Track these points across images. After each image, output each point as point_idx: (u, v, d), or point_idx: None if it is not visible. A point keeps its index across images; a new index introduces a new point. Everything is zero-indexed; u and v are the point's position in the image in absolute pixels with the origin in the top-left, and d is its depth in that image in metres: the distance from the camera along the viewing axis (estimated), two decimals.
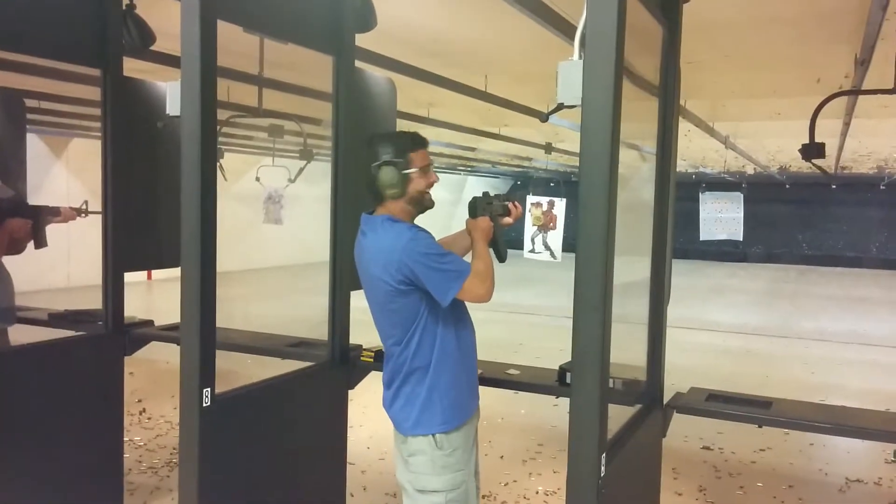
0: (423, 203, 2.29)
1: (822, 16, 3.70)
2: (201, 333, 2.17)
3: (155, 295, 10.95)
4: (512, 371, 3.08)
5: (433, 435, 2.25)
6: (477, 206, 2.41)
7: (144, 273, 11.35)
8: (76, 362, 3.18)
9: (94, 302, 3.44)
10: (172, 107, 2.23)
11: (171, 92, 2.23)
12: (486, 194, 2.45)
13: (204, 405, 2.18)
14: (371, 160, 2.23)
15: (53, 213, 3.57)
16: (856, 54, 4.10)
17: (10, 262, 3.48)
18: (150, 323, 3.61)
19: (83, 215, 3.69)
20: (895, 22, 3.25)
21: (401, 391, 2.29)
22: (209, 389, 2.20)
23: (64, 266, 10.69)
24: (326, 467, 2.97)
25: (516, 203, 2.42)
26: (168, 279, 11.02)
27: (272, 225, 3.61)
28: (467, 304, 2.33)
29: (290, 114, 4.70)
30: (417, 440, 2.27)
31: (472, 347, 2.39)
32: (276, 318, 4.80)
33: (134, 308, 3.50)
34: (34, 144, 10.09)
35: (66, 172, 11.03)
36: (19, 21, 2.85)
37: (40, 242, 3.50)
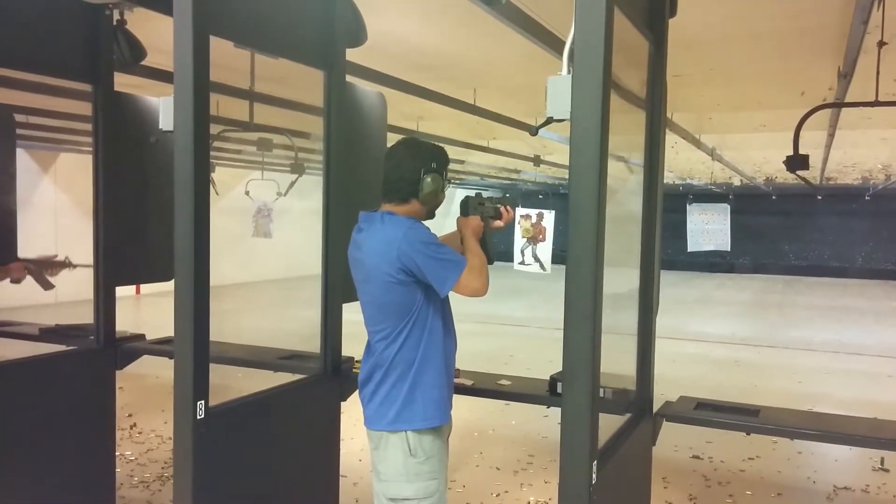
0: (432, 215, 2.37)
1: (805, 30, 3.78)
2: (195, 345, 2.18)
3: (144, 309, 10.89)
4: (503, 382, 3.10)
5: (407, 434, 2.23)
6: (469, 206, 2.43)
7: (132, 288, 11.27)
8: (67, 377, 3.17)
9: (83, 318, 3.43)
10: (165, 122, 2.24)
11: (164, 107, 2.24)
12: (478, 195, 2.47)
13: (198, 418, 2.18)
14: (407, 161, 2.26)
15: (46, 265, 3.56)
16: (839, 67, 4.18)
17: None
18: (141, 337, 3.60)
19: (70, 269, 3.67)
20: (876, 36, 3.32)
21: (381, 387, 2.27)
22: (203, 402, 2.20)
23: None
24: (319, 479, 2.96)
25: (507, 207, 2.42)
26: (157, 293, 10.96)
27: (262, 238, 3.63)
28: (460, 304, 2.33)
29: (280, 128, 4.73)
30: (391, 443, 2.25)
31: (454, 358, 2.40)
32: (267, 331, 4.80)
33: (123, 322, 3.49)
34: (22, 159, 10.03)
35: (54, 187, 10.99)
36: (8, 36, 2.86)
37: (46, 286, 3.52)
